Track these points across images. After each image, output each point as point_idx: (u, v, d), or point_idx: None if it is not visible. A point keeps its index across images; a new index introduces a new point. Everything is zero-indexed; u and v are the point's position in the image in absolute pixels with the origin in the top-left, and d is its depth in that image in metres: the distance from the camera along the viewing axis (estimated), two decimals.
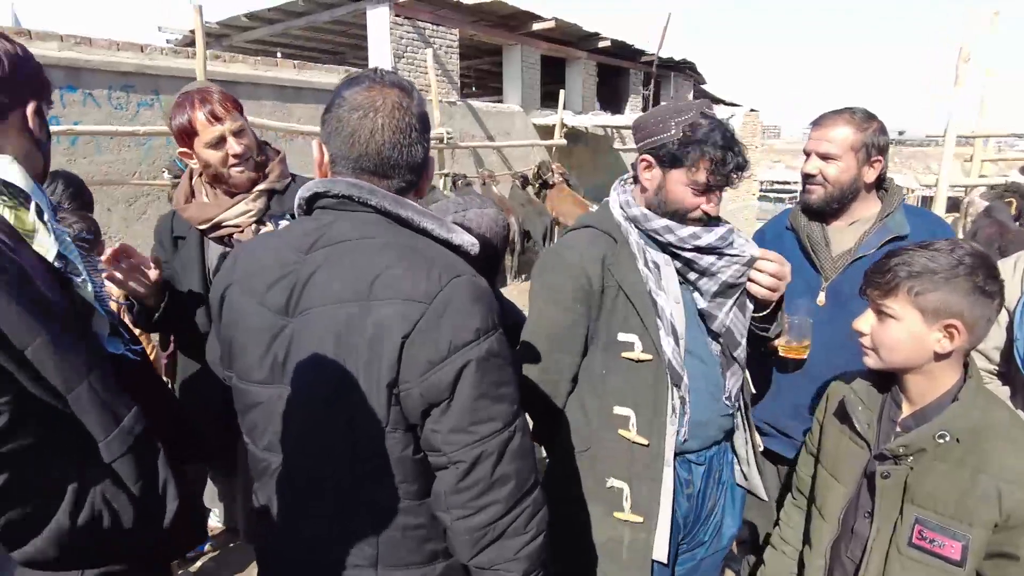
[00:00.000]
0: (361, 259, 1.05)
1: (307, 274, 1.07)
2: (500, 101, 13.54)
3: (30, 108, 1.16)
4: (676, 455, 1.58)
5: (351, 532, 1.09)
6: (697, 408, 1.59)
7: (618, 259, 1.57)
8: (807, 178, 1.93)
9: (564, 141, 12.11)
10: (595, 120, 13.28)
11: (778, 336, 1.79)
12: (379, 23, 10.43)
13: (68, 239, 1.20)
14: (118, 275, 1.68)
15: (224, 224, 1.93)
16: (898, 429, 1.38)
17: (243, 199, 1.93)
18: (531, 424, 1.73)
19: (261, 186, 1.96)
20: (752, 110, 18.09)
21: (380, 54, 10.53)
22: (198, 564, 2.92)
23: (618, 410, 1.57)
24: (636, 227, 1.60)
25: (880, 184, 1.93)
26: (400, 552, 1.10)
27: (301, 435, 1.10)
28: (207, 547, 2.97)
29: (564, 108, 12.19)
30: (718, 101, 20.16)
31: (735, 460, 1.78)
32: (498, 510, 1.04)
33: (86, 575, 1.08)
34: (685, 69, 18.00)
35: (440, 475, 1.06)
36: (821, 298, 1.92)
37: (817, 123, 1.92)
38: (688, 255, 1.56)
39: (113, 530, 1.05)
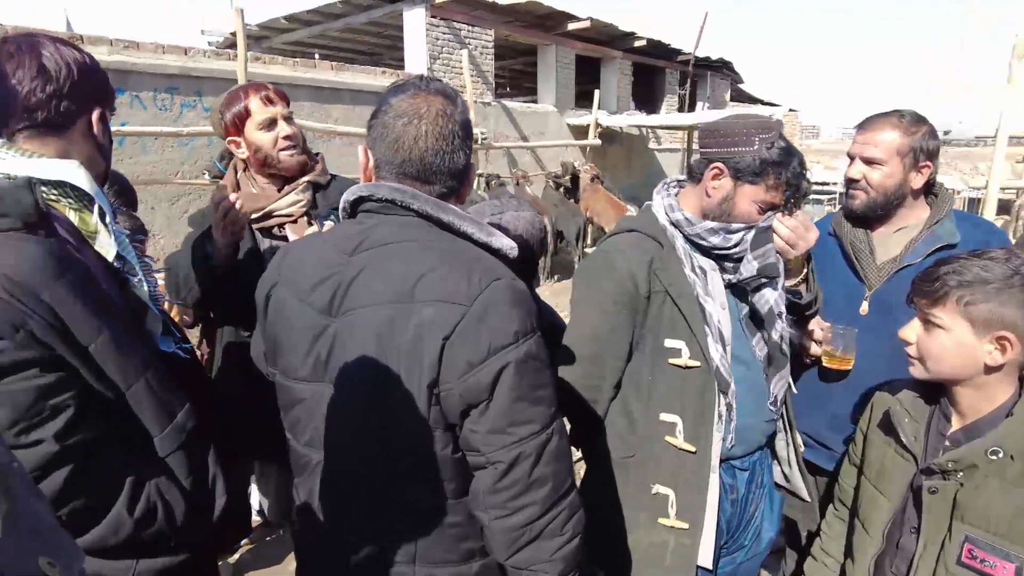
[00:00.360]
0: (403, 262, 1.07)
1: (351, 276, 1.09)
2: (534, 101, 13.54)
3: (95, 115, 1.20)
4: (721, 461, 1.57)
5: (390, 528, 1.12)
6: (743, 414, 1.57)
7: (665, 264, 1.55)
8: (850, 183, 1.87)
9: (598, 141, 12.06)
10: (630, 120, 13.19)
11: (812, 304, 1.76)
12: (415, 24, 10.52)
13: (126, 240, 1.25)
14: (240, 218, 1.75)
15: (275, 214, 1.98)
16: (947, 443, 1.34)
17: (292, 189, 1.98)
18: (569, 428, 1.73)
19: (307, 177, 2.02)
20: (791, 110, 17.77)
21: (416, 55, 10.61)
22: (236, 556, 2.98)
23: (665, 417, 1.56)
24: (680, 232, 1.59)
25: (929, 189, 1.87)
26: (438, 549, 1.12)
27: (341, 433, 1.13)
28: (245, 539, 3.03)
29: (599, 108, 12.13)
30: (756, 101, 19.84)
31: (774, 462, 1.77)
32: (535, 511, 1.05)
33: (140, 565, 1.12)
34: (722, 68, 17.75)
35: (478, 475, 1.08)
36: (864, 307, 1.86)
37: (862, 126, 1.87)
38: (733, 260, 1.56)
39: (166, 523, 1.09)
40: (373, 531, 1.13)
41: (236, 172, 2.06)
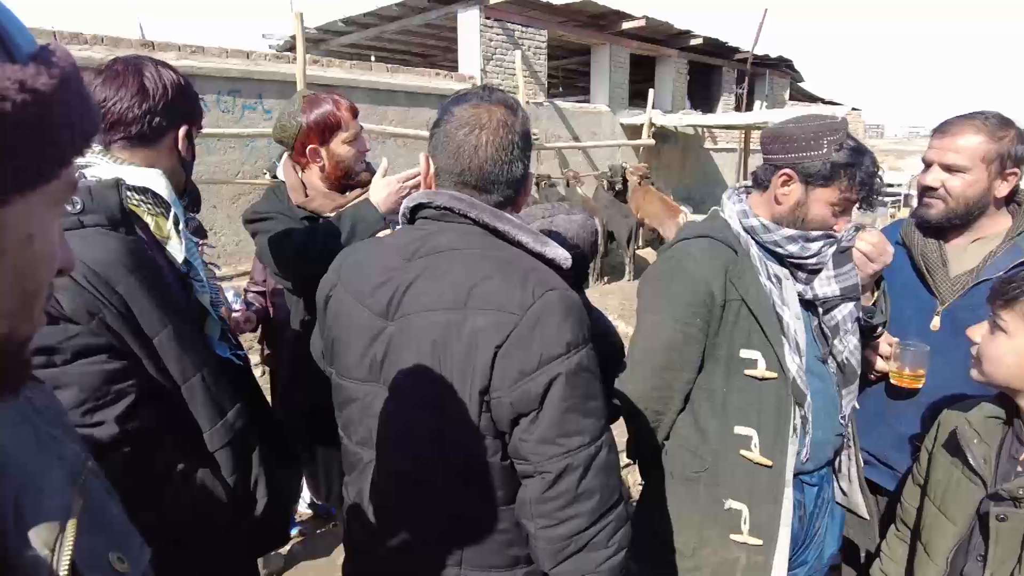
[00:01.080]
0: (459, 269, 1.09)
1: (408, 280, 1.11)
2: (587, 101, 13.46)
3: (182, 132, 1.31)
4: (794, 475, 1.53)
5: (439, 532, 1.13)
6: (816, 427, 1.53)
7: (741, 271, 1.51)
8: (926, 191, 1.75)
9: (652, 141, 11.89)
10: (685, 119, 12.96)
11: (882, 324, 1.71)
12: (469, 26, 10.59)
13: (195, 248, 1.34)
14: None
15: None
16: (1020, 468, 1.27)
17: (364, 192, 2.01)
18: (632, 442, 1.70)
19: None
20: (854, 108, 17.15)
21: (469, 56, 10.68)
22: (287, 548, 3.05)
23: (739, 430, 1.52)
24: (754, 239, 1.55)
25: (1012, 198, 1.74)
26: (485, 554, 1.13)
27: (393, 434, 1.15)
28: (295, 531, 3.11)
29: (653, 107, 11.96)
30: (816, 100, 19.22)
31: (835, 477, 1.72)
32: (581, 523, 1.05)
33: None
34: (781, 66, 17.27)
35: (527, 483, 1.08)
36: (935, 323, 1.75)
37: (941, 130, 1.74)
38: (808, 270, 1.53)
39: (209, 515, 1.15)
40: (421, 533, 1.15)
41: (298, 172, 2.08)
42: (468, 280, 1.06)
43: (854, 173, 1.45)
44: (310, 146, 1.97)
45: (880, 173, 1.49)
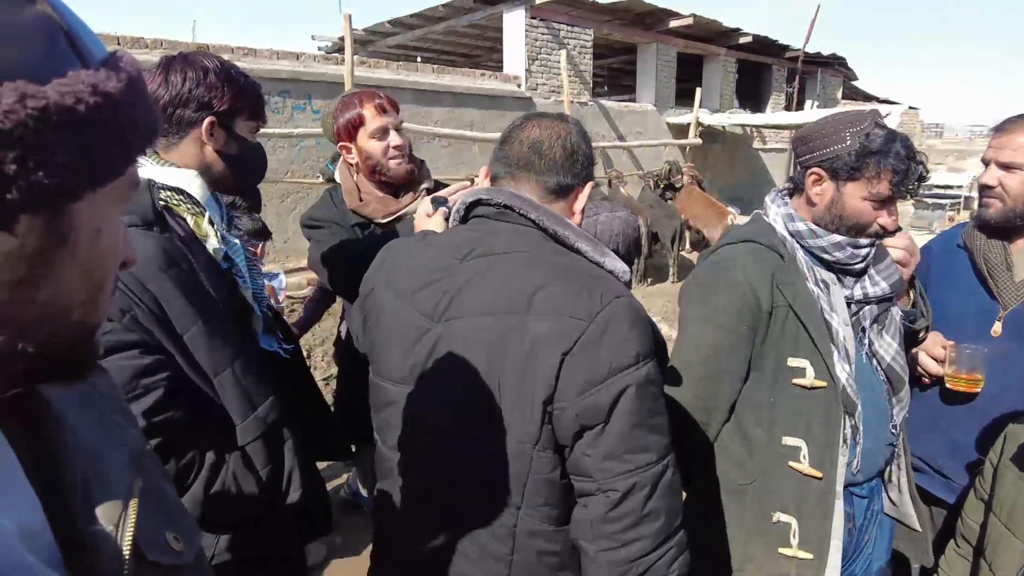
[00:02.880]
0: (518, 272, 1.04)
1: (460, 282, 1.07)
2: (632, 100, 13.33)
3: (206, 123, 1.26)
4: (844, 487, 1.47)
5: (480, 551, 1.06)
6: (866, 437, 1.48)
7: (788, 277, 1.46)
8: (984, 190, 1.71)
9: (699, 140, 11.71)
10: (733, 119, 12.72)
11: (925, 329, 1.65)
12: (515, 25, 10.59)
13: (238, 245, 1.34)
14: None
15: (409, 216, 2.03)
16: None
17: (417, 195, 2.04)
18: (677, 452, 1.66)
19: (425, 185, 2.07)
20: (911, 107, 16.55)
21: (515, 56, 10.69)
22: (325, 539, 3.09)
23: (788, 441, 1.47)
24: (799, 243, 1.51)
25: None
26: None
27: (431, 440, 1.10)
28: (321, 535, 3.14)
29: (700, 106, 11.77)
30: (871, 98, 18.63)
31: (884, 488, 1.65)
32: (645, 546, 0.99)
33: (221, 542, 1.21)
34: (834, 64, 16.79)
35: (586, 502, 1.02)
36: (996, 328, 1.69)
37: (1000, 128, 1.70)
38: (855, 274, 1.47)
39: (239, 506, 1.17)
40: (464, 553, 1.08)
41: (353, 176, 2.11)
42: (529, 284, 1.01)
43: (880, 160, 1.38)
44: (341, 143, 2.03)
45: (920, 159, 1.41)
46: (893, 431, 1.53)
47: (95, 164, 0.42)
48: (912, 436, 1.69)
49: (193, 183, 1.26)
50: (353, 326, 1.41)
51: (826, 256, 1.46)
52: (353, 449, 2.21)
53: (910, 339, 1.63)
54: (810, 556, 1.44)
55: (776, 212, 1.55)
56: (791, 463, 1.46)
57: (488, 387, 1.02)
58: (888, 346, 1.52)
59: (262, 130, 1.41)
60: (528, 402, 0.99)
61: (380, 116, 1.97)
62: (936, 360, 1.72)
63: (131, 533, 0.50)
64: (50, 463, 0.49)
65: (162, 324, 1.09)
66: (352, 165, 2.07)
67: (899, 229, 1.51)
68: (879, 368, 1.53)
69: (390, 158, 1.98)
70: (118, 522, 0.50)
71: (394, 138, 1.98)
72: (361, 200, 2.05)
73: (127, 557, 0.49)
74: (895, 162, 1.37)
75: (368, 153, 1.98)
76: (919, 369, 1.76)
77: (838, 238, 1.45)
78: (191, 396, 1.13)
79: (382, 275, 1.21)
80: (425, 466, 1.13)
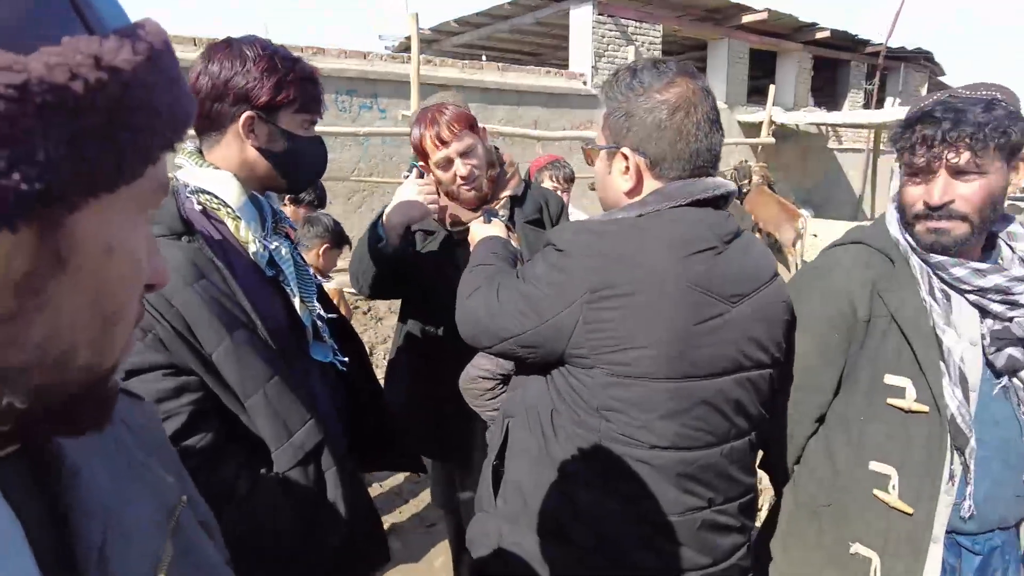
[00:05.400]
0: (753, 247, 1.21)
1: (735, 261, 1.15)
2: None
3: (243, 117, 1.14)
4: (946, 532, 1.30)
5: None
6: (983, 480, 1.29)
7: (893, 284, 1.32)
8: None
9: (772, 139, 11.27)
10: (808, 117, 12.21)
11: None
12: (582, 22, 10.44)
13: (284, 251, 1.24)
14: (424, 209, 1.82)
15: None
16: None
17: (498, 205, 1.95)
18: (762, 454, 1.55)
19: (507, 192, 1.97)
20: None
21: (581, 53, 10.54)
22: None
23: (875, 466, 1.33)
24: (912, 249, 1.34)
25: None
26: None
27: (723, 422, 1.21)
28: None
29: (773, 104, 11.34)
30: None
31: None
32: None
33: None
34: (919, 59, 15.87)
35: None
36: None
37: None
38: (972, 296, 1.27)
39: (274, 534, 1.08)
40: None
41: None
42: (767, 258, 1.21)
43: (915, 129, 1.23)
44: (421, 163, 1.97)
45: (967, 113, 1.17)
46: None
47: (98, 163, 0.32)
48: None
49: (228, 185, 1.15)
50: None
51: (942, 274, 1.28)
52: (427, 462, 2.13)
53: None
54: None
55: (893, 212, 1.40)
56: (876, 491, 1.32)
57: (777, 357, 1.25)
58: None
59: (329, 128, 1.32)
60: (782, 366, 1.29)
61: (438, 149, 1.84)
62: None
63: None
64: (58, 525, 0.40)
65: (188, 344, 1.00)
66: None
67: (1007, 216, 1.31)
68: (1022, 404, 1.32)
69: (459, 186, 1.88)
70: None
71: (460, 167, 1.84)
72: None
73: None
74: (926, 128, 1.21)
75: (438, 178, 1.91)
76: None
77: (938, 258, 1.27)
78: (222, 420, 1.05)
79: (628, 275, 1.07)
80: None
